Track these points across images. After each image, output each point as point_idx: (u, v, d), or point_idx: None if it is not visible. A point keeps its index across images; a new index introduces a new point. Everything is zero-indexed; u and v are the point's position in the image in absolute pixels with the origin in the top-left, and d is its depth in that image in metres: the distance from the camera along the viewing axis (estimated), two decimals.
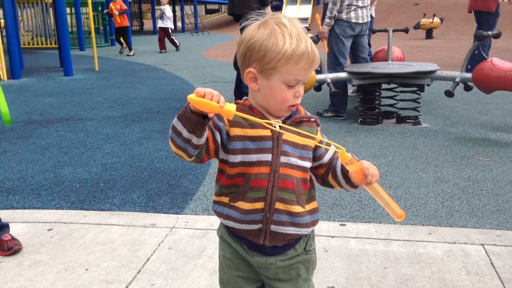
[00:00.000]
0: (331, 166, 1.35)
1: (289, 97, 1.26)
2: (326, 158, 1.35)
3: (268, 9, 5.15)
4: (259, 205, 1.28)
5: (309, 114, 1.35)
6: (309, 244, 1.40)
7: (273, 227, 1.29)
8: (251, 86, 1.29)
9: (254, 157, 1.27)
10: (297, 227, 1.31)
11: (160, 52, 13.46)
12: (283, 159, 1.28)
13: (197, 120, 1.14)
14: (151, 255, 2.39)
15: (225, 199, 1.32)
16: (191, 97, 1.11)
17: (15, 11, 10.04)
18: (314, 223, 1.36)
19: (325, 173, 1.37)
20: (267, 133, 1.27)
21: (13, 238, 2.43)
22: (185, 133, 1.16)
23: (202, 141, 1.20)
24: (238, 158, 1.27)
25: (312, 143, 1.31)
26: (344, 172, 1.30)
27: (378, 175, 1.24)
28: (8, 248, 2.39)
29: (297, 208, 1.30)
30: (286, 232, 1.31)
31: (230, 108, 1.12)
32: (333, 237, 2.55)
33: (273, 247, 1.33)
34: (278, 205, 1.28)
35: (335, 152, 1.34)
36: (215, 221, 2.73)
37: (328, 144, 1.31)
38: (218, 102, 1.11)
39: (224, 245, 1.41)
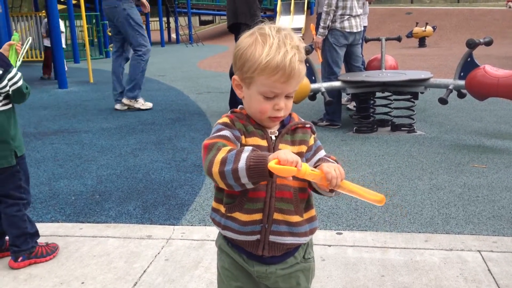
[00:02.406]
0: None
1: (266, 108, 1.25)
2: (312, 163, 1.34)
3: None
4: (257, 216, 1.27)
5: (303, 120, 1.36)
6: (308, 252, 1.40)
7: (272, 238, 1.29)
8: (237, 93, 1.31)
9: None
10: (296, 236, 1.31)
11: (42, 78, 10.57)
12: None
13: (268, 178, 1.12)
14: (148, 267, 2.38)
15: (222, 209, 1.32)
16: (273, 166, 1.08)
17: (9, 25, 10.05)
18: (312, 231, 1.36)
19: None
20: (264, 143, 1.28)
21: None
22: (245, 180, 1.13)
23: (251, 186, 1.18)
24: None
25: (305, 150, 1.33)
26: None
27: (342, 174, 1.19)
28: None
29: (295, 218, 1.30)
30: (284, 242, 1.30)
31: (306, 169, 1.12)
32: (329, 246, 2.55)
33: (272, 257, 1.33)
34: (277, 216, 1.28)
35: (321, 159, 1.33)
36: (211, 232, 2.72)
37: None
38: (296, 166, 1.09)
39: (222, 256, 1.40)
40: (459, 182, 3.47)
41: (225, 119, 1.30)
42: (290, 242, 1.31)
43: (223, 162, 1.14)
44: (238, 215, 1.28)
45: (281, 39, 1.22)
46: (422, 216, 2.92)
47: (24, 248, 2.39)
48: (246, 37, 1.27)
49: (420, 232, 2.70)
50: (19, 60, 2.43)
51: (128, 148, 4.61)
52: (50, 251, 2.48)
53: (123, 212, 3.09)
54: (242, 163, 1.11)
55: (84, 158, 4.34)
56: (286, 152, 1.10)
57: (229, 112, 1.35)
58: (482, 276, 2.22)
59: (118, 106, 6.58)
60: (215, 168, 1.15)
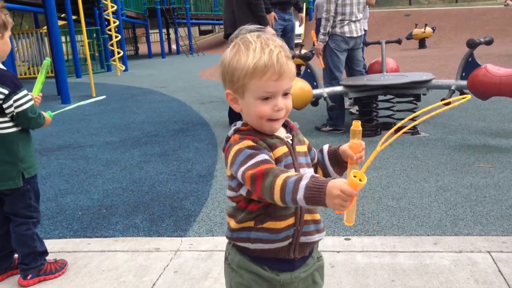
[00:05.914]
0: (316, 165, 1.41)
1: (265, 111, 1.23)
2: (315, 160, 1.42)
3: (268, 28, 5.17)
4: (291, 220, 1.28)
5: (292, 122, 1.37)
6: (318, 251, 1.44)
7: (302, 239, 1.31)
8: (234, 107, 1.30)
9: None
10: (320, 232, 1.36)
11: None
12: (302, 171, 1.30)
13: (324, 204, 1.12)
14: (157, 280, 2.38)
15: (251, 223, 1.29)
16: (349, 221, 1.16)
17: (10, 42, 10.11)
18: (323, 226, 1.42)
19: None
20: (285, 149, 1.29)
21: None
22: (299, 204, 1.13)
23: None
24: None
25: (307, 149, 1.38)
26: (331, 155, 1.36)
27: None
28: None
29: (318, 215, 1.35)
30: (312, 241, 1.34)
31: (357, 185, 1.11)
32: (338, 252, 2.54)
33: (301, 258, 1.35)
34: (306, 216, 1.31)
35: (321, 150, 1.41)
36: (219, 242, 2.72)
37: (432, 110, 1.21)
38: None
39: (242, 272, 1.35)
40: (466, 183, 3.45)
41: (248, 142, 1.23)
42: (316, 240, 1.35)
43: (283, 189, 1.13)
44: (271, 224, 1.27)
45: (263, 41, 1.23)
46: (430, 218, 2.91)
47: (33, 265, 2.39)
48: (229, 51, 1.27)
49: (428, 235, 2.69)
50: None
51: (133, 161, 4.62)
52: (59, 267, 2.49)
53: (130, 226, 3.09)
54: (298, 194, 1.10)
55: (89, 172, 4.35)
56: (341, 181, 1.09)
57: (233, 131, 1.30)
58: (493, 277, 2.20)
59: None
60: (277, 197, 1.14)
